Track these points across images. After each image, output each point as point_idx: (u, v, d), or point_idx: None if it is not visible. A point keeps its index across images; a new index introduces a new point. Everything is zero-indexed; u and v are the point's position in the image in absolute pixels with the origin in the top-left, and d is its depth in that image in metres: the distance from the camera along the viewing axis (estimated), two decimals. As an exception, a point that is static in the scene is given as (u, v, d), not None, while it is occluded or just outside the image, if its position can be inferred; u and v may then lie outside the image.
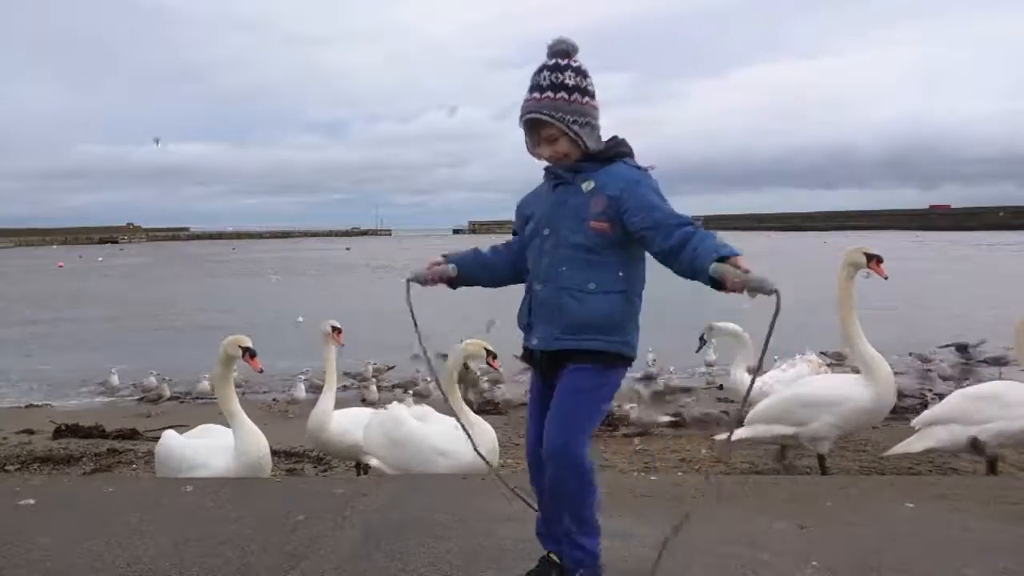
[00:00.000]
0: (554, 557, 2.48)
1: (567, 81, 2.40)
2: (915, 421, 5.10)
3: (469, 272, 2.63)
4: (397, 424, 4.95)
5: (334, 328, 5.71)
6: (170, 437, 4.85)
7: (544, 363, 2.44)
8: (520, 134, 2.52)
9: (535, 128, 2.46)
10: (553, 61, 2.43)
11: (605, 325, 2.35)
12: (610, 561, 2.85)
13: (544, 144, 2.45)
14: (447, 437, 4.72)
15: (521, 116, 2.47)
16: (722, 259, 2.09)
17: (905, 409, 7.06)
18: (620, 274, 2.39)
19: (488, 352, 5.05)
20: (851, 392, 4.95)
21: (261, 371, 4.98)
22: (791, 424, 5.09)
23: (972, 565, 2.80)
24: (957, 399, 4.96)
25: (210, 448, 4.69)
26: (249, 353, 4.69)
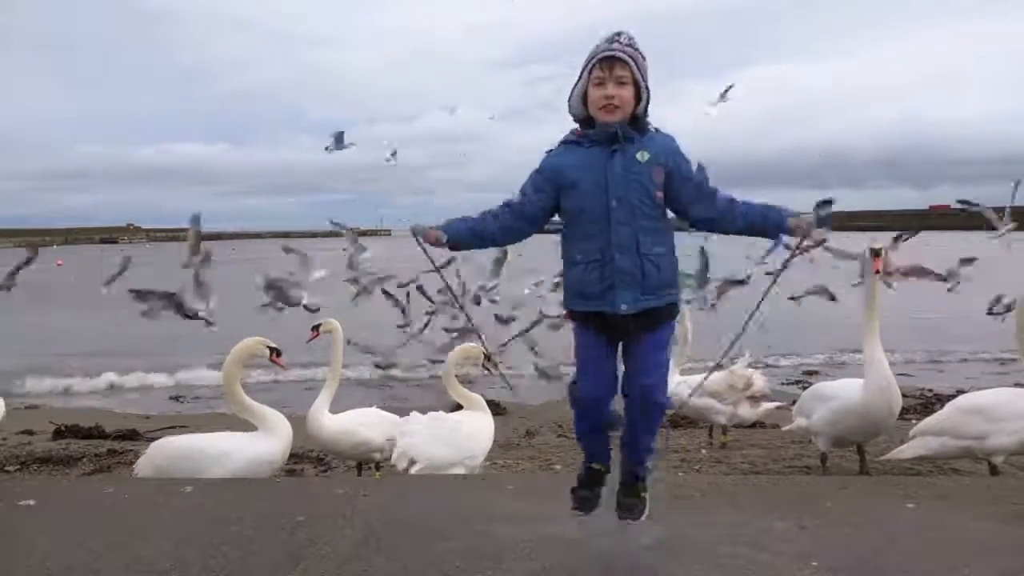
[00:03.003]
0: (598, 467, 2.88)
1: (641, 50, 2.62)
2: (912, 431, 5.11)
3: (464, 242, 2.73)
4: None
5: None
6: (174, 438, 4.78)
7: (629, 323, 2.59)
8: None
9: (611, 67, 2.57)
10: (625, 34, 2.62)
11: (673, 282, 2.68)
12: (607, 561, 2.86)
13: (613, 83, 2.57)
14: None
15: (596, 53, 2.59)
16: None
17: (906, 410, 7.04)
18: (672, 235, 2.69)
19: (485, 355, 5.05)
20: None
21: (286, 368, 5.13)
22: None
23: (972, 565, 2.80)
24: (950, 411, 4.95)
25: (231, 437, 4.68)
26: (276, 352, 4.84)
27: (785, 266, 2.84)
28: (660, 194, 2.61)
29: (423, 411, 5.25)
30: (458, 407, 5.56)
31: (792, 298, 6.01)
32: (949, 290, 5.44)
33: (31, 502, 3.78)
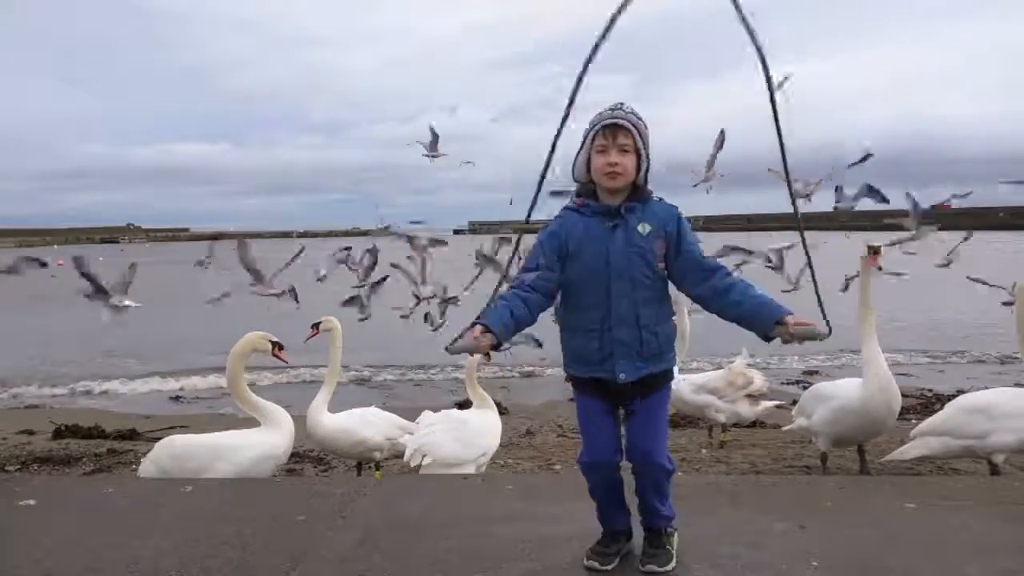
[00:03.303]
0: (615, 530, 2.82)
1: (643, 119, 2.65)
2: (913, 432, 5.11)
3: (510, 337, 2.63)
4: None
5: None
6: (177, 437, 4.74)
7: (628, 390, 2.63)
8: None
9: (614, 134, 2.59)
10: (626, 104, 2.65)
11: (669, 349, 2.69)
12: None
13: (616, 152, 2.60)
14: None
15: (601, 119, 2.62)
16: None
17: (906, 409, 7.05)
18: (670, 303, 2.72)
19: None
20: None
21: (288, 363, 5.10)
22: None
23: (972, 565, 2.80)
24: (951, 411, 4.95)
25: (235, 435, 4.70)
26: (278, 346, 4.85)
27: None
28: (662, 264, 2.64)
29: (433, 410, 5.28)
30: (464, 405, 5.58)
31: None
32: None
33: (31, 502, 3.78)
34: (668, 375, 2.71)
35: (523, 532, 3.14)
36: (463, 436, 4.95)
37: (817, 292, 2.71)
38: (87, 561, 2.98)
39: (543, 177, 2.63)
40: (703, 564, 2.81)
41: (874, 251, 4.97)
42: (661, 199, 2.71)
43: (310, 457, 7.30)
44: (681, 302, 6.77)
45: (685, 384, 6.68)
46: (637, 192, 2.67)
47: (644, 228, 2.62)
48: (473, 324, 2.49)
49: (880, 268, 4.98)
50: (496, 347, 2.54)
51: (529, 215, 2.72)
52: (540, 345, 5.50)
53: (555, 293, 2.68)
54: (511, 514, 3.36)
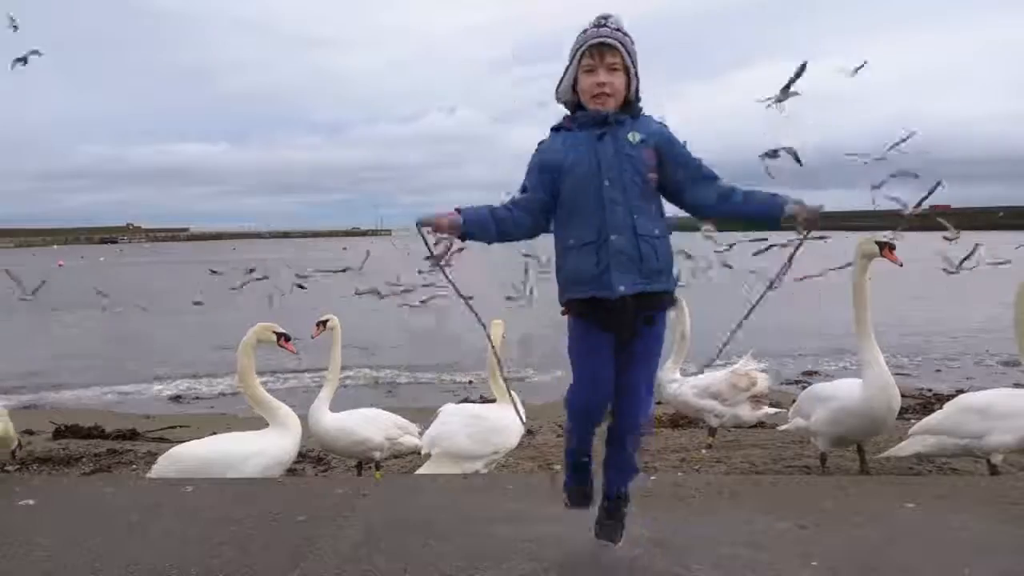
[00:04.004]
0: (586, 459, 2.81)
1: (630, 34, 2.58)
2: (911, 430, 5.11)
3: (480, 230, 2.61)
4: None
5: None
6: (185, 448, 4.70)
7: (626, 310, 2.50)
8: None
9: (602, 54, 2.52)
10: (613, 17, 2.56)
11: (669, 269, 2.57)
12: (606, 561, 2.86)
13: (604, 71, 2.53)
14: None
15: (586, 40, 2.53)
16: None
17: (905, 409, 7.04)
18: (664, 219, 2.61)
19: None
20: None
21: (296, 353, 5.05)
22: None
23: (972, 565, 2.79)
24: (949, 410, 4.94)
25: (245, 440, 4.68)
26: (284, 337, 4.82)
27: (791, 259, 2.79)
28: (653, 175, 2.55)
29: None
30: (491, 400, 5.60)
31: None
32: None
33: (31, 502, 3.78)
34: (669, 298, 2.59)
35: (523, 532, 3.14)
36: (477, 431, 4.91)
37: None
38: (87, 561, 2.98)
39: None
40: (703, 564, 2.81)
41: (889, 247, 4.79)
42: (651, 116, 2.64)
43: (310, 457, 7.29)
44: (681, 303, 6.79)
45: (688, 387, 6.66)
46: (628, 107, 2.60)
47: (634, 136, 2.55)
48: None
49: (901, 264, 4.86)
50: (463, 236, 2.57)
51: None
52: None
53: (539, 213, 2.63)
54: (511, 514, 3.36)
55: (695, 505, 3.56)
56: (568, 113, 2.67)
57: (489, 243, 2.66)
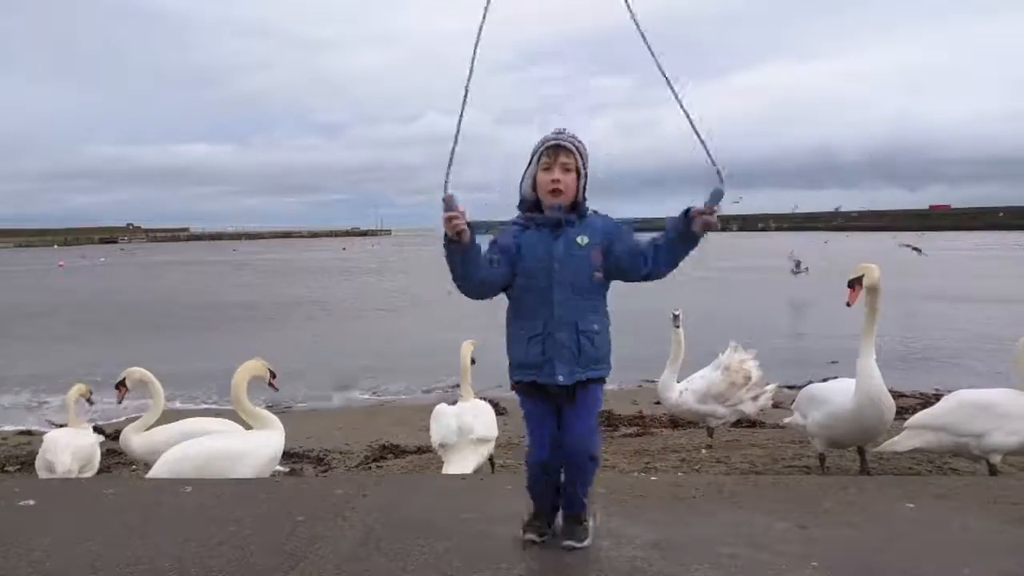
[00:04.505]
0: (544, 518, 3.02)
1: (583, 142, 2.89)
2: (907, 423, 5.06)
3: (472, 254, 2.74)
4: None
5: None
6: (189, 446, 4.88)
7: (565, 392, 2.82)
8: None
9: (557, 154, 2.82)
10: (568, 129, 2.89)
11: (606, 356, 2.87)
12: (606, 561, 2.86)
13: (559, 170, 2.82)
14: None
15: (546, 141, 2.85)
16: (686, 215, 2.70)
17: (905, 409, 7.04)
18: (607, 312, 2.90)
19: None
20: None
21: (277, 390, 5.74)
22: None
23: (972, 565, 2.80)
24: (950, 405, 4.89)
25: (243, 439, 5.02)
26: (272, 375, 5.42)
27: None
28: (599, 274, 2.83)
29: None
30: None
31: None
32: None
33: (31, 502, 3.78)
34: (601, 381, 2.88)
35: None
36: (488, 419, 5.67)
37: (701, 140, 2.64)
38: (87, 561, 2.98)
39: (449, 167, 2.68)
40: (703, 564, 2.81)
41: (853, 285, 4.88)
42: (596, 212, 2.92)
43: (310, 457, 7.31)
44: (678, 312, 6.81)
45: (689, 394, 6.65)
46: (576, 208, 2.87)
47: (582, 240, 2.83)
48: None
49: (849, 305, 4.93)
50: (460, 241, 2.66)
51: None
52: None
53: (498, 284, 2.85)
54: (511, 514, 3.36)
55: (695, 505, 3.56)
56: (526, 212, 2.92)
57: (458, 270, 2.78)
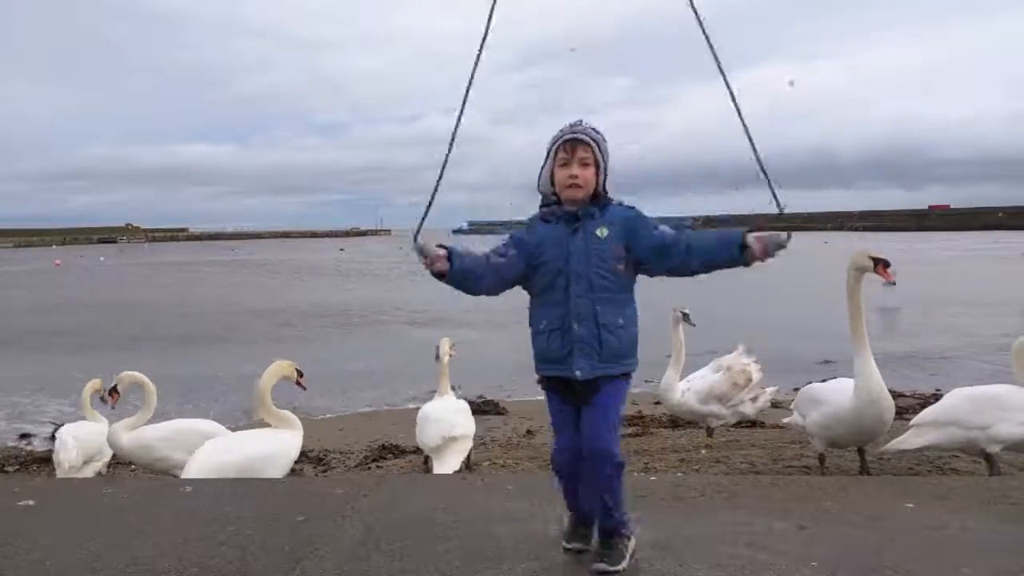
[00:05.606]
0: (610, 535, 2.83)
1: (601, 133, 2.82)
2: (913, 420, 5.05)
3: (456, 280, 2.76)
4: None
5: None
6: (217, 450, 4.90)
7: (587, 387, 2.74)
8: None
9: (574, 149, 2.76)
10: (585, 121, 2.82)
11: (630, 352, 2.78)
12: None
13: (577, 165, 2.76)
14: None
15: (561, 136, 2.79)
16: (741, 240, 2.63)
17: (905, 409, 7.04)
18: (634, 308, 2.81)
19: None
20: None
21: (306, 389, 5.79)
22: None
23: (972, 565, 2.80)
24: (956, 400, 4.88)
25: (268, 439, 5.08)
26: (300, 374, 5.51)
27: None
28: (621, 267, 2.76)
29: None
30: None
31: None
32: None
33: (31, 502, 3.78)
34: (625, 378, 2.80)
35: (523, 532, 3.14)
36: (467, 418, 5.91)
37: (765, 174, 2.63)
38: (87, 561, 2.98)
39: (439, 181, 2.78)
40: (703, 564, 2.81)
41: (884, 263, 4.74)
42: (620, 203, 2.85)
43: (310, 457, 7.30)
44: (672, 322, 6.82)
45: (691, 394, 6.67)
46: (597, 199, 2.82)
47: (602, 232, 2.76)
48: (443, 248, 2.71)
49: (894, 283, 4.86)
50: (442, 275, 2.69)
51: (425, 216, 2.81)
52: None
53: (511, 281, 2.83)
54: (511, 514, 3.36)
55: (695, 505, 3.56)
56: (546, 205, 2.88)
57: (457, 289, 2.82)
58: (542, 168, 2.87)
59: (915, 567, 2.81)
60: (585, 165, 2.77)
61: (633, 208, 2.86)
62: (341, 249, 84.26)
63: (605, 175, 2.82)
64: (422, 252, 2.69)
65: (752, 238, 2.61)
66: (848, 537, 3.11)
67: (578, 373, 2.71)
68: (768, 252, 2.60)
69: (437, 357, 6.30)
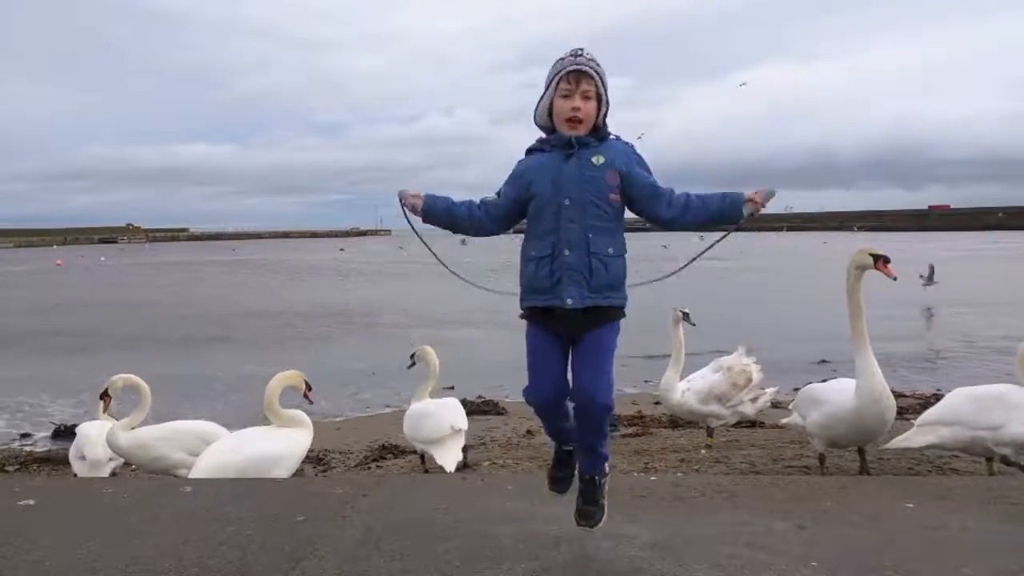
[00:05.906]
0: (569, 447, 2.95)
1: (601, 64, 2.76)
2: (919, 420, 5.03)
3: (435, 217, 2.90)
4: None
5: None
6: (223, 452, 4.90)
7: (576, 320, 2.67)
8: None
9: (578, 80, 2.70)
10: (586, 50, 2.75)
11: (620, 283, 2.73)
12: (606, 561, 2.86)
13: (579, 97, 2.71)
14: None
15: (564, 67, 2.71)
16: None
17: (905, 409, 7.04)
18: (623, 238, 2.76)
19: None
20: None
21: (312, 403, 5.71)
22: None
23: (972, 565, 2.79)
24: (959, 399, 4.86)
25: (277, 439, 5.06)
26: (308, 387, 5.46)
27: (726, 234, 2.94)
28: (615, 196, 2.72)
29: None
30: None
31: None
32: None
33: (31, 501, 3.78)
34: (618, 312, 2.74)
35: (523, 532, 3.14)
36: (462, 412, 6.01)
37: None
38: (87, 561, 2.98)
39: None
40: (703, 564, 2.81)
41: (884, 259, 4.73)
42: (618, 137, 2.82)
43: (310, 457, 7.29)
44: (672, 322, 6.82)
45: (691, 394, 6.65)
46: (596, 131, 2.78)
47: (598, 159, 2.72)
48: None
49: (895, 278, 4.83)
50: (423, 213, 2.87)
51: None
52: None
53: (503, 219, 2.87)
54: (511, 514, 3.36)
55: (695, 505, 3.56)
56: (542, 136, 2.86)
57: (449, 230, 2.94)
58: (540, 99, 2.80)
59: (915, 567, 2.80)
60: (587, 98, 2.71)
61: (631, 145, 2.83)
62: (341, 249, 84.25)
63: (607, 109, 2.77)
64: (400, 197, 2.88)
65: (751, 192, 2.70)
66: (848, 537, 3.11)
67: (569, 301, 2.64)
68: (763, 204, 2.70)
69: (412, 364, 6.38)
